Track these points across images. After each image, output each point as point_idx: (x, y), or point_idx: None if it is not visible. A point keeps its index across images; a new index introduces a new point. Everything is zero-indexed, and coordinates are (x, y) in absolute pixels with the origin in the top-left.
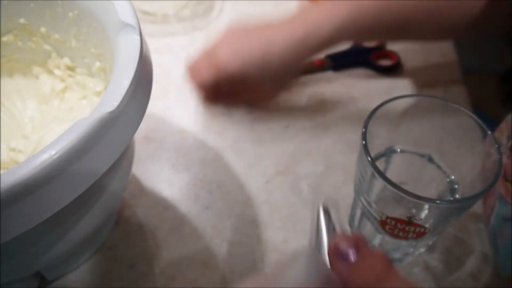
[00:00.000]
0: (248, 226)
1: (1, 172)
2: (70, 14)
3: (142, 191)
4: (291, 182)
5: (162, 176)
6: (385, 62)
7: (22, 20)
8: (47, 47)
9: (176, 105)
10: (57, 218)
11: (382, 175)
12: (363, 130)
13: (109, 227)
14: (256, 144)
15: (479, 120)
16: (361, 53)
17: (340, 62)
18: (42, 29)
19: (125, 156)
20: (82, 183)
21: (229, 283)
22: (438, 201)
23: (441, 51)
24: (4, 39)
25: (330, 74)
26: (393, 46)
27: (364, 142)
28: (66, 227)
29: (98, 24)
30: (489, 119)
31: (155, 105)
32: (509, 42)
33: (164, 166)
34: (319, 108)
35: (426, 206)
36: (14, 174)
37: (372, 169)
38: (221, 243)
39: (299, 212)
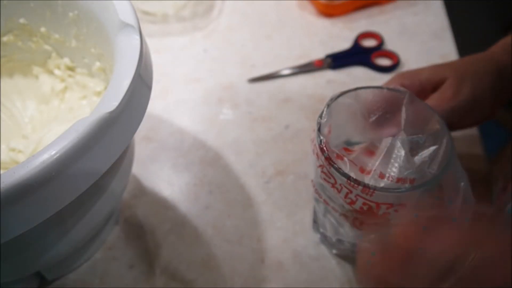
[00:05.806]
0: (248, 226)
1: (1, 172)
2: (70, 14)
3: (142, 191)
4: (291, 182)
5: (162, 176)
6: (385, 62)
7: (22, 20)
8: (47, 47)
9: (176, 105)
10: (57, 218)
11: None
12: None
13: (109, 227)
14: (256, 144)
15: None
16: (361, 53)
17: (340, 62)
18: (42, 29)
19: (125, 156)
20: (82, 183)
21: (229, 283)
22: (391, 190)
23: (442, 51)
24: (4, 39)
25: (330, 73)
26: (393, 46)
27: (320, 139)
28: (66, 227)
29: (98, 24)
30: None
31: (155, 105)
32: None
33: (164, 166)
34: (319, 108)
35: (383, 195)
36: (14, 174)
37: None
38: (221, 243)
39: (299, 212)
